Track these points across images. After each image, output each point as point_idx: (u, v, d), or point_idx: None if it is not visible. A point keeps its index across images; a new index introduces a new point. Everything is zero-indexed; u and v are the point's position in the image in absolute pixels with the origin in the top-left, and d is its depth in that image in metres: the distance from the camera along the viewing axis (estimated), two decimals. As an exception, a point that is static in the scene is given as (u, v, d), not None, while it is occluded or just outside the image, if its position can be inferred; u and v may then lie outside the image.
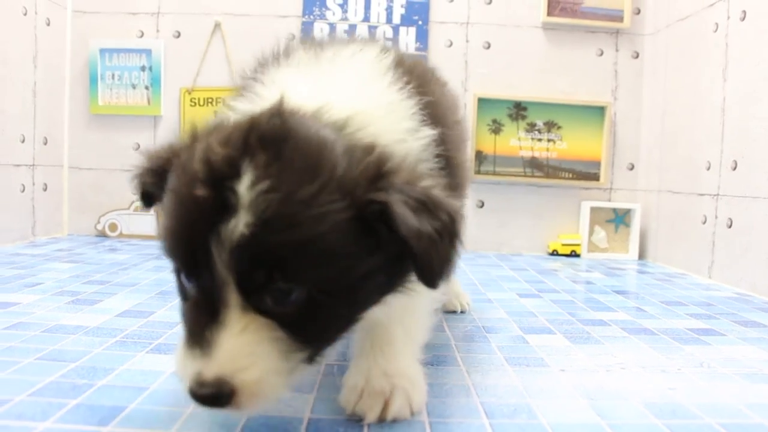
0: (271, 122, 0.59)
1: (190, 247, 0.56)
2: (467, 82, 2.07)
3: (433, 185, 0.62)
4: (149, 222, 2.06)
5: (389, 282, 0.63)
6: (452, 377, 0.83)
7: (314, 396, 0.75)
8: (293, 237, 0.54)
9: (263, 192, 0.54)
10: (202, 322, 0.56)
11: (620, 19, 2.07)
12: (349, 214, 0.56)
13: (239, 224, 0.53)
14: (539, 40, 2.08)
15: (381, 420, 0.68)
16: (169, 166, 0.63)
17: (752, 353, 1.00)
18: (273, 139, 0.57)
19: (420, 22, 2.04)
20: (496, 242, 2.10)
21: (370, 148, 0.61)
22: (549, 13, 2.05)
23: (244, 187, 0.54)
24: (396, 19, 2.03)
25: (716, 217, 1.67)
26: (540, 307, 1.27)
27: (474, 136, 2.05)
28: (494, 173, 2.05)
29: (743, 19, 1.61)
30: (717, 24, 1.71)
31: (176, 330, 1.00)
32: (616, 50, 2.10)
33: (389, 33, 2.03)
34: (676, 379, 0.86)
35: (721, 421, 0.71)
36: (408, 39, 2.03)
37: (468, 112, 2.05)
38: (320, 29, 2.03)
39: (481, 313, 1.21)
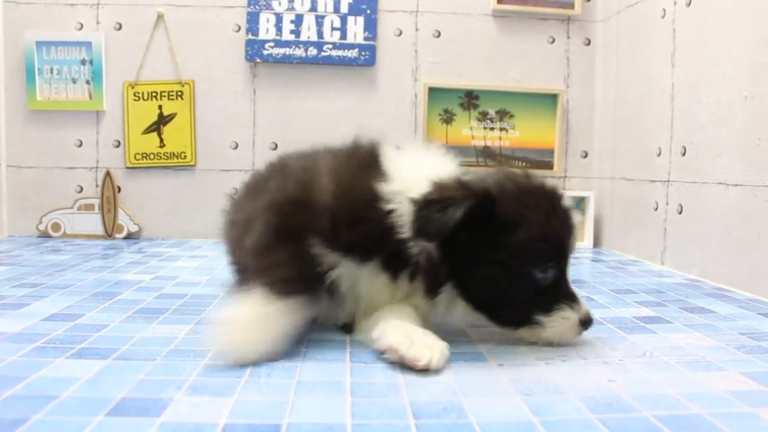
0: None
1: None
2: (417, 71, 2.04)
3: None
4: (94, 221, 2.00)
5: None
6: (384, 375, 0.80)
7: (234, 399, 0.71)
8: None
9: None
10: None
11: (571, 6, 2.05)
12: None
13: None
14: (490, 28, 2.05)
15: (425, 369, 0.81)
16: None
17: (696, 340, 0.99)
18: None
19: (368, 12, 2.00)
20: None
21: None
22: (499, 1, 2.02)
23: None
24: (344, 9, 1.99)
25: (667, 203, 1.66)
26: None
27: (425, 127, 2.02)
28: (447, 164, 2.02)
29: (689, 4, 1.59)
30: (664, 10, 1.70)
31: (103, 333, 0.96)
32: (568, 37, 2.08)
33: (337, 23, 1.99)
34: (617, 370, 0.84)
35: (658, 413, 0.69)
36: (356, 29, 1.99)
37: (419, 102, 2.02)
38: (266, 19, 1.98)
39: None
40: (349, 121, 2.03)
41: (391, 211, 0.90)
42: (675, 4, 1.65)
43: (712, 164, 1.49)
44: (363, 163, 0.98)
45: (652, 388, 0.77)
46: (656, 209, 1.71)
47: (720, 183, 1.46)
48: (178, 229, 2.03)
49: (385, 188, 0.92)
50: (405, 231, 0.89)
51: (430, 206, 0.86)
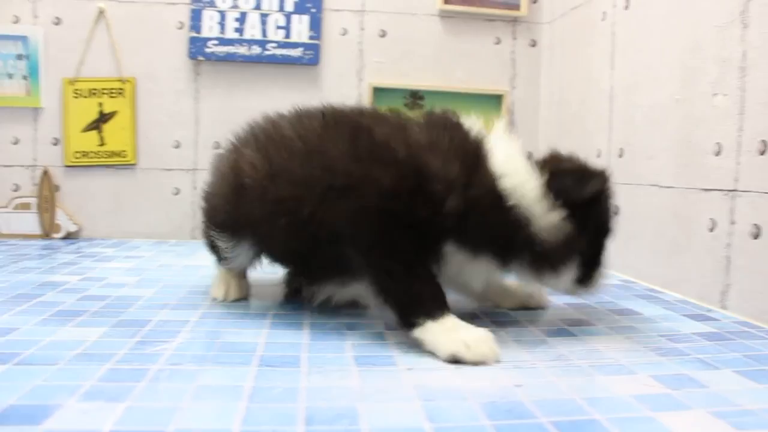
0: None
1: None
2: (362, 71, 2.02)
3: None
4: (31, 220, 1.95)
5: None
6: (287, 380, 0.79)
7: (126, 405, 0.69)
8: None
9: None
10: None
11: (517, 7, 2.05)
12: None
13: None
14: (436, 28, 2.05)
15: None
16: None
17: (615, 343, 0.99)
18: None
19: (313, 10, 1.98)
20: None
21: None
22: (446, 1, 2.02)
23: None
24: (289, 7, 1.97)
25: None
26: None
27: (369, 127, 2.01)
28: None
29: (627, 7, 1.60)
30: (605, 13, 1.71)
31: (11, 337, 0.93)
32: (514, 39, 2.09)
33: (281, 21, 1.97)
34: (528, 375, 0.83)
35: (555, 419, 0.68)
36: (301, 27, 1.97)
37: (363, 103, 2.01)
38: (210, 17, 1.95)
39: (348, 308, 1.16)
40: (293, 120, 2.00)
41: (514, 207, 0.94)
42: (614, 6, 1.66)
43: (646, 166, 1.50)
44: (470, 145, 0.98)
45: (558, 393, 0.77)
46: (595, 211, 1.72)
47: (653, 185, 1.47)
48: (119, 229, 1.99)
49: (507, 183, 0.95)
50: (531, 221, 0.95)
51: (568, 176, 1.00)
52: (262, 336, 0.98)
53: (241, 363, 0.85)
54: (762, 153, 1.14)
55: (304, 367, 0.84)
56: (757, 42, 1.17)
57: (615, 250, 1.62)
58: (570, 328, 1.07)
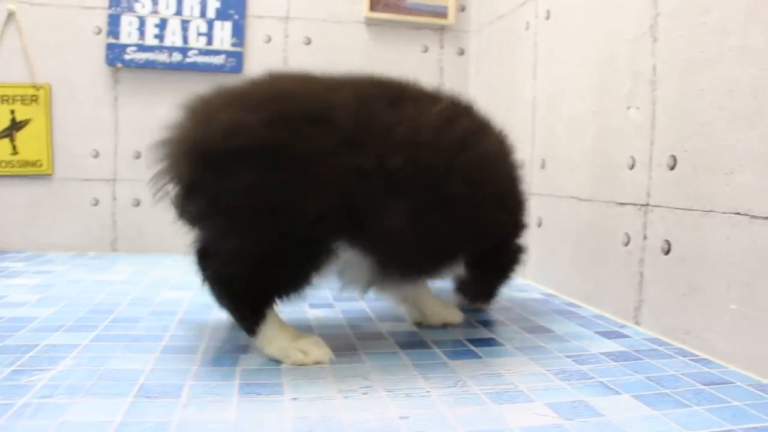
0: None
1: None
2: (287, 79, 1.98)
3: None
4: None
5: None
6: (160, 413, 0.74)
7: None
8: None
9: None
10: None
11: (445, 15, 2.03)
12: None
13: None
14: (362, 36, 2.01)
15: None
16: None
17: (519, 366, 0.96)
18: None
19: (236, 17, 1.93)
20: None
21: None
22: (372, 9, 1.99)
23: None
24: (211, 14, 1.92)
25: (529, 215, 1.65)
26: (324, 320, 1.20)
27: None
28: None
29: (548, 17, 1.59)
30: (528, 22, 1.69)
31: None
32: (442, 47, 2.06)
33: (203, 28, 1.91)
34: (417, 404, 0.80)
35: (432, 457, 0.65)
36: (223, 34, 1.92)
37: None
38: (128, 22, 1.88)
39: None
40: (216, 129, 1.95)
41: None
42: (536, 17, 1.65)
43: (566, 178, 1.48)
44: None
45: (442, 425, 0.73)
46: (520, 222, 1.70)
47: (573, 197, 1.45)
48: (34, 242, 1.91)
49: None
50: None
51: None
52: (150, 362, 0.93)
53: (117, 394, 0.80)
54: (672, 168, 1.13)
55: (183, 397, 0.79)
56: (666, 56, 1.16)
57: (538, 262, 1.61)
58: (476, 349, 1.04)
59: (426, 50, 2.05)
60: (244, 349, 1.00)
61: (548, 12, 1.59)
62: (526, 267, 1.67)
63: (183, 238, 1.80)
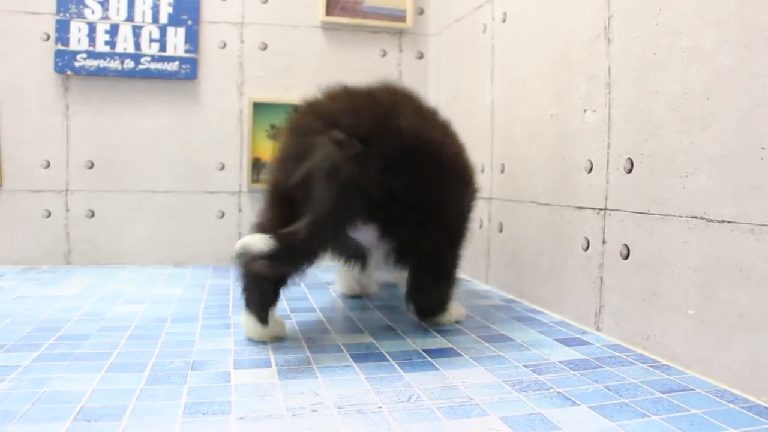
0: None
1: None
2: (243, 85, 1.94)
3: None
4: None
5: None
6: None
7: None
8: None
9: None
10: None
11: (403, 19, 2.01)
12: None
13: None
14: (319, 40, 1.99)
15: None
16: None
17: (476, 377, 0.94)
18: None
19: (190, 23, 1.88)
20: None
21: None
22: (328, 13, 1.96)
23: None
24: (163, 19, 1.87)
25: (490, 221, 1.64)
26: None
27: (250, 143, 1.93)
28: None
29: (504, 20, 1.57)
30: (485, 25, 1.68)
31: None
32: (400, 51, 2.04)
33: (156, 34, 1.86)
34: (368, 421, 0.77)
35: (379, 480, 0.62)
36: (177, 40, 1.88)
37: (244, 118, 1.93)
38: (78, 29, 1.83)
39: (205, 344, 1.09)
40: (171, 137, 1.91)
41: None
42: (493, 19, 1.63)
43: (526, 183, 1.47)
44: None
45: (393, 443, 0.71)
46: (481, 227, 1.68)
47: (533, 202, 1.44)
48: (-17, 256, 1.85)
49: None
50: None
51: None
52: (94, 382, 0.89)
53: (54, 418, 0.76)
54: (629, 171, 1.12)
55: (125, 419, 0.76)
56: (620, 58, 1.15)
57: (499, 267, 1.59)
58: (433, 360, 1.02)
59: (384, 54, 2.02)
60: (194, 365, 0.96)
61: (504, 14, 1.57)
62: (488, 272, 1.65)
63: (138, 249, 1.76)
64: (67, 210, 1.87)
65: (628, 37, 1.13)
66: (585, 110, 1.25)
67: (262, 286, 1.07)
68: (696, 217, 0.97)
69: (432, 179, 1.10)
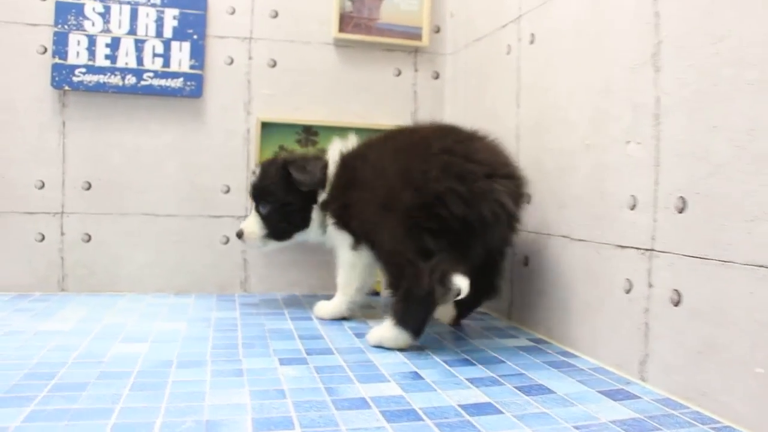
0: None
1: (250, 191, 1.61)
2: (250, 104, 1.85)
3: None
4: None
5: (301, 207, 1.57)
6: None
7: None
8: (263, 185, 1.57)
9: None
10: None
11: (419, 37, 1.92)
12: (280, 176, 1.56)
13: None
14: (331, 58, 1.89)
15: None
16: None
17: (524, 444, 0.84)
18: None
19: (195, 37, 1.79)
20: (288, 282, 1.88)
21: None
22: (341, 29, 1.87)
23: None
24: (167, 33, 1.77)
25: (515, 253, 1.54)
26: (297, 382, 1.06)
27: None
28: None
29: (532, 42, 1.49)
30: (509, 46, 1.59)
31: None
32: (416, 70, 1.95)
33: (159, 48, 1.77)
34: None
35: None
36: (181, 56, 1.78)
37: (251, 138, 1.83)
38: (77, 42, 1.73)
39: (218, 396, 0.98)
40: (173, 157, 1.81)
41: None
42: (519, 40, 1.54)
43: (556, 215, 1.38)
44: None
45: None
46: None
47: (564, 236, 1.35)
48: (-29, 282, 1.74)
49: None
50: None
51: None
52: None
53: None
54: (681, 211, 1.03)
55: None
56: (671, 88, 1.06)
57: (524, 303, 1.50)
58: (472, 419, 0.92)
59: (399, 73, 1.93)
60: (208, 426, 0.86)
61: (532, 36, 1.48)
62: (511, 307, 1.56)
63: (138, 276, 1.66)
64: (62, 234, 1.76)
65: (681, 65, 1.04)
66: (628, 142, 1.16)
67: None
68: (765, 267, 0.88)
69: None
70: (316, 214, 1.57)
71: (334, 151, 1.56)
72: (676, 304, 1.04)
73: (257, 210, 1.59)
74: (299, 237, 1.63)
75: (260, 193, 1.59)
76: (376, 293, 1.82)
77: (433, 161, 1.25)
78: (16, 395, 0.96)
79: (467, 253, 1.24)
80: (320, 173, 1.53)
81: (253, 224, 1.60)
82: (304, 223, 1.59)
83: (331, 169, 1.54)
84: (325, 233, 1.57)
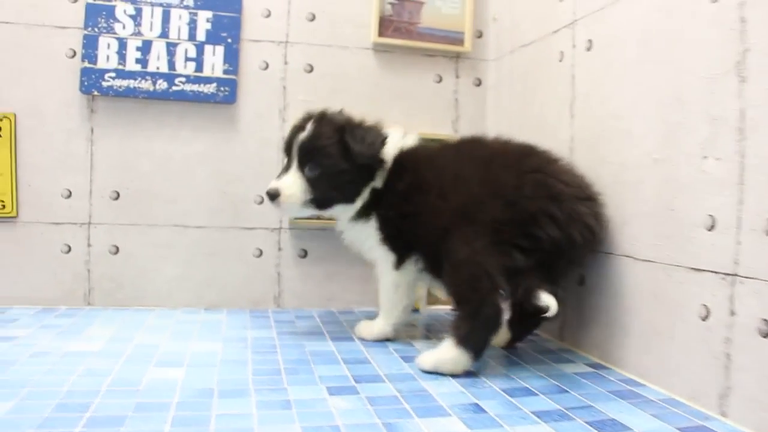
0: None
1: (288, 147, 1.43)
2: (286, 110, 1.77)
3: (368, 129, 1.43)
4: None
5: (355, 179, 1.41)
6: None
7: None
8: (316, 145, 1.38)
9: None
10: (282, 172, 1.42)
11: (461, 42, 1.84)
12: (337, 139, 1.38)
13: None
14: (370, 63, 1.82)
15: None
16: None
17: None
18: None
19: (229, 41, 1.72)
20: (324, 296, 1.81)
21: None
22: (381, 34, 1.79)
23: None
24: (200, 36, 1.70)
25: (566, 271, 1.45)
26: (351, 416, 0.98)
27: (294, 176, 1.75)
28: (318, 218, 1.70)
29: (589, 49, 1.40)
30: (562, 53, 1.51)
31: None
32: (457, 77, 1.87)
33: (192, 52, 1.70)
34: None
35: None
36: (215, 60, 1.71)
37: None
38: (107, 45, 1.66)
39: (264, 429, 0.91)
40: (205, 166, 1.74)
41: None
42: (574, 47, 1.46)
43: (618, 233, 1.29)
44: None
45: None
46: (554, 277, 1.50)
47: (627, 256, 1.26)
48: (-5, 294, 1.67)
49: None
50: None
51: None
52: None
53: None
54: (770, 233, 0.94)
55: None
56: (760, 100, 0.97)
57: (579, 325, 1.42)
58: (551, 464, 0.84)
59: (440, 80, 1.85)
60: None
61: (590, 42, 1.40)
62: (564, 328, 1.47)
63: (167, 290, 1.59)
64: (89, 245, 1.69)
65: (773, 75, 0.95)
66: (705, 157, 1.07)
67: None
68: None
69: None
70: (367, 194, 1.42)
71: (394, 139, 1.44)
72: (765, 335, 0.95)
73: (301, 170, 1.38)
74: (337, 210, 1.45)
75: (312, 153, 1.38)
76: (416, 310, 1.74)
77: (526, 179, 1.23)
78: (50, 431, 0.89)
79: (551, 273, 1.22)
80: (379, 147, 1.39)
81: (294, 186, 1.38)
82: (354, 196, 1.42)
83: (389, 157, 1.42)
84: (357, 221, 1.45)
